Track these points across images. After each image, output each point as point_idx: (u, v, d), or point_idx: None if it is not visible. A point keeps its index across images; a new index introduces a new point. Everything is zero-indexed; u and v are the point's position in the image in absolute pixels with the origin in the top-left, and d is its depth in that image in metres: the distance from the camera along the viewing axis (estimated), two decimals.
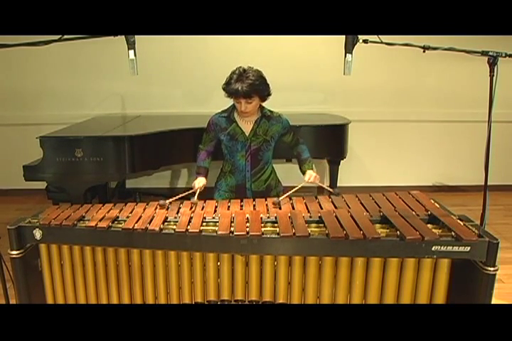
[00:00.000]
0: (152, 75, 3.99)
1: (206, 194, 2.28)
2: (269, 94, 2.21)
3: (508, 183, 4.39)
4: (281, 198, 1.99)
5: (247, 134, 2.26)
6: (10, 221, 1.83)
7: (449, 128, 4.27)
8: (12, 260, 1.79)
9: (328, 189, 2.11)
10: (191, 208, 1.93)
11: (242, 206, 1.96)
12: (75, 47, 3.62)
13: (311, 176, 2.21)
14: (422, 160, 4.35)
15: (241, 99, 2.12)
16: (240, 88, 2.07)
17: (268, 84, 2.18)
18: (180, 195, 2.10)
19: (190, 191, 2.18)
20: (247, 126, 2.26)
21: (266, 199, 2.01)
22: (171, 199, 2.02)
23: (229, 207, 1.95)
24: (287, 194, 2.07)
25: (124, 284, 1.81)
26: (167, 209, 1.94)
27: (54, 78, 4.03)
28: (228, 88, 2.12)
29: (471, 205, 3.65)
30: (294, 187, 2.11)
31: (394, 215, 1.74)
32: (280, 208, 1.91)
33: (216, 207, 1.95)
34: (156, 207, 1.95)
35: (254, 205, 1.96)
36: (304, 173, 2.30)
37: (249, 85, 2.07)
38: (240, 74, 2.11)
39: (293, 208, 1.91)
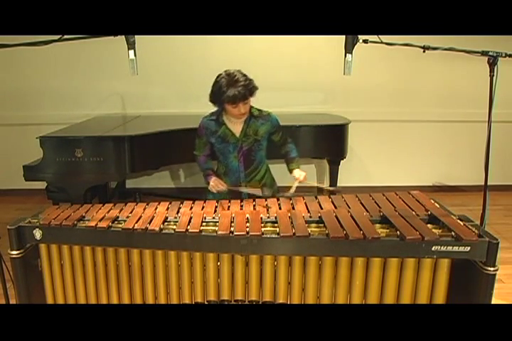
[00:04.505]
0: (152, 75, 3.99)
1: (199, 196, 2.27)
2: (256, 89, 2.16)
3: (508, 183, 4.39)
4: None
5: (237, 135, 2.24)
6: (10, 221, 1.83)
7: (449, 128, 4.27)
8: (12, 260, 1.79)
9: (329, 188, 2.11)
10: (190, 207, 1.93)
11: (242, 206, 1.96)
12: (75, 47, 3.61)
13: (301, 175, 2.21)
14: (422, 160, 4.35)
15: (239, 103, 2.10)
16: (237, 92, 2.03)
17: (252, 80, 2.14)
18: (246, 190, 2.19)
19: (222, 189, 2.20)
20: (236, 127, 2.25)
21: (266, 200, 2.01)
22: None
23: (229, 207, 1.95)
24: (287, 193, 2.09)
25: (124, 284, 1.81)
26: (169, 203, 1.96)
27: (54, 78, 4.03)
28: (223, 97, 2.06)
29: (471, 205, 3.64)
30: (291, 186, 2.12)
31: (394, 215, 1.73)
32: (279, 207, 1.91)
33: (216, 207, 1.95)
34: (156, 207, 1.95)
35: (254, 205, 1.96)
36: (291, 172, 2.30)
37: (243, 87, 2.05)
38: (228, 79, 2.07)
39: (293, 208, 1.91)
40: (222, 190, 2.22)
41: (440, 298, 1.63)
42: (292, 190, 2.11)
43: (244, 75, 2.12)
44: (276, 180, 2.48)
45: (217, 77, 2.13)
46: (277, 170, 2.55)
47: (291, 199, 2.01)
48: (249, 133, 2.24)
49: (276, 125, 2.32)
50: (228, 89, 2.05)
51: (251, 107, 2.25)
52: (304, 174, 2.22)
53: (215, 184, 2.23)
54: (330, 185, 3.60)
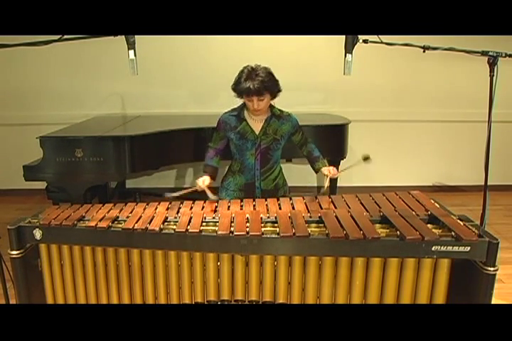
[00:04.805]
0: (152, 75, 3.99)
1: (199, 196, 2.25)
2: (279, 91, 2.22)
3: (508, 183, 4.39)
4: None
5: (257, 133, 2.26)
6: (10, 221, 1.83)
7: (449, 128, 4.27)
8: (12, 260, 1.79)
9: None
10: (190, 207, 1.93)
11: (242, 206, 1.96)
12: (75, 47, 3.61)
13: (330, 170, 2.21)
14: (422, 160, 4.35)
15: (253, 97, 2.13)
16: (251, 86, 2.08)
17: (277, 81, 2.19)
18: (184, 191, 2.07)
19: (190, 189, 2.13)
20: (257, 125, 2.27)
21: (266, 200, 2.01)
22: (175, 194, 2.02)
23: (229, 207, 1.95)
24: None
25: (124, 284, 1.81)
26: (169, 203, 1.96)
27: (54, 78, 4.03)
28: (239, 87, 2.13)
29: (471, 205, 3.64)
30: (297, 187, 2.12)
31: (394, 215, 1.73)
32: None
33: (216, 207, 1.95)
34: (156, 207, 1.95)
35: (254, 205, 1.96)
36: (317, 171, 2.31)
37: (260, 82, 2.09)
38: (250, 72, 2.12)
39: (293, 208, 1.91)
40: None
41: (440, 298, 1.63)
42: (325, 189, 2.10)
43: (269, 72, 2.16)
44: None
45: (244, 67, 2.17)
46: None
47: (291, 199, 2.01)
48: (268, 131, 2.27)
49: (296, 125, 2.35)
50: (246, 81, 2.10)
51: (273, 107, 2.29)
52: (332, 168, 2.22)
53: (200, 184, 2.17)
54: (330, 186, 3.59)
